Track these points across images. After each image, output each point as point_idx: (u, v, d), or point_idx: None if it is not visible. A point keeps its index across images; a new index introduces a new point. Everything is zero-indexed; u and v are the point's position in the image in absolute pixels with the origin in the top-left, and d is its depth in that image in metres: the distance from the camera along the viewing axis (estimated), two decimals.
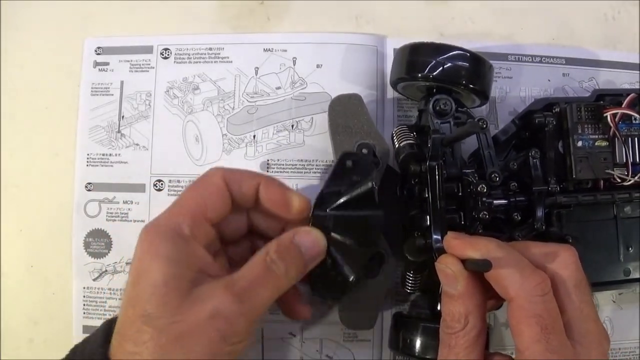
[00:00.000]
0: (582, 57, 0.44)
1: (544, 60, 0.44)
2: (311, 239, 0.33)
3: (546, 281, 0.29)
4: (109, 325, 0.31)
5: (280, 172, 0.42)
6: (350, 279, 0.34)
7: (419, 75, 0.37)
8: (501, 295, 0.30)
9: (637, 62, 0.44)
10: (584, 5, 0.46)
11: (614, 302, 0.42)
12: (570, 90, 0.44)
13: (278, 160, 0.42)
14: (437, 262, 0.32)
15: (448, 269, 0.31)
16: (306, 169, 0.42)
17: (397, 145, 0.38)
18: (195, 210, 0.31)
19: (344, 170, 0.35)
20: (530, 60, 0.44)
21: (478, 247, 0.31)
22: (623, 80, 0.44)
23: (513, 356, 0.30)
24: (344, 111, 0.39)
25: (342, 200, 0.34)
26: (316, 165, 0.42)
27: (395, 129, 0.38)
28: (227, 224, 0.34)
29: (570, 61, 0.44)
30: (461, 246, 0.31)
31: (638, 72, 0.44)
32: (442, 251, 0.33)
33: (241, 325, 0.29)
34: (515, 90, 0.44)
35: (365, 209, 0.34)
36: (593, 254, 0.38)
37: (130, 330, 0.29)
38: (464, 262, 0.31)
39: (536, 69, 0.44)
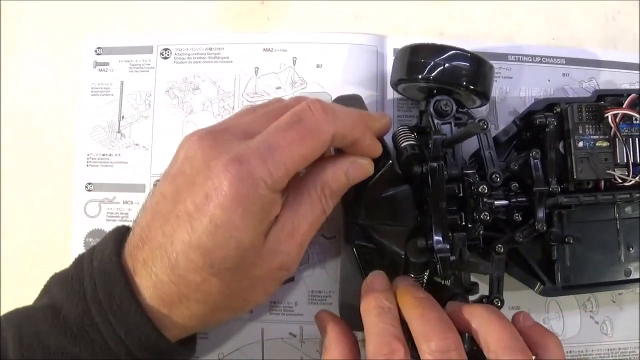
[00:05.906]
0: (582, 57, 0.44)
1: (544, 60, 0.44)
2: (362, 173, 0.33)
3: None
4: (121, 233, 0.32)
5: None
6: (402, 256, 0.35)
7: (420, 76, 0.37)
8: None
9: (637, 62, 0.44)
10: (584, 5, 0.46)
11: (613, 302, 0.42)
12: (570, 91, 0.44)
13: None
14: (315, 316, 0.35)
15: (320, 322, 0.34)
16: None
17: (398, 146, 0.38)
18: (297, 166, 0.29)
19: None
20: (530, 60, 0.44)
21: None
22: (623, 80, 0.44)
23: None
24: None
25: (367, 185, 0.35)
26: None
27: (395, 130, 0.38)
28: None
29: (570, 61, 0.44)
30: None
31: (638, 72, 0.44)
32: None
33: (296, 266, 0.31)
34: (515, 91, 0.44)
35: (391, 187, 0.35)
36: (594, 254, 0.38)
37: (192, 275, 0.28)
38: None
39: (536, 69, 0.44)
